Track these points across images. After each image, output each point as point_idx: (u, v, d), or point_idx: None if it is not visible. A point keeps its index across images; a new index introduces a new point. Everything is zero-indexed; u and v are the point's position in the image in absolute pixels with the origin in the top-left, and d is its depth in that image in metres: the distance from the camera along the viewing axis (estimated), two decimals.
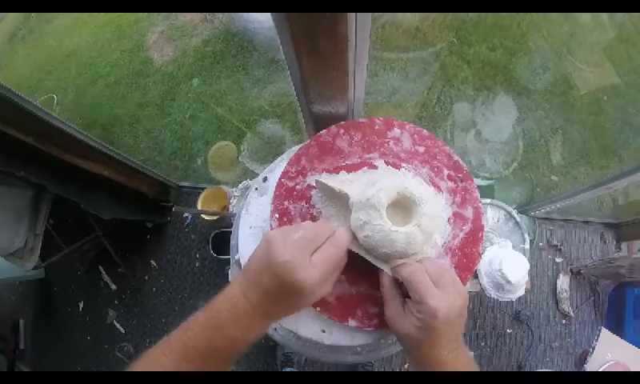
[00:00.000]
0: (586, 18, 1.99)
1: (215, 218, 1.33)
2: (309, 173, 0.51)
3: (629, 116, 1.85)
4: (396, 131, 0.53)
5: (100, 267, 1.59)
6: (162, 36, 2.02)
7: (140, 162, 1.34)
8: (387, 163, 0.51)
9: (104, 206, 1.23)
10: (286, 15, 0.39)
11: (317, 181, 0.49)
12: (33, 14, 2.28)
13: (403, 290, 0.44)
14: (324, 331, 0.51)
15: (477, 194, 0.52)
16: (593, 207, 1.65)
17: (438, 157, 0.53)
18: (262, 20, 1.78)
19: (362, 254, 0.45)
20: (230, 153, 1.62)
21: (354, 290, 0.49)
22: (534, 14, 1.94)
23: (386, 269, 0.45)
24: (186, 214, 1.48)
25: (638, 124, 1.84)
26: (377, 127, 0.53)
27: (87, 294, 1.60)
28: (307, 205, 0.50)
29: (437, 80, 1.79)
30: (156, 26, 2.06)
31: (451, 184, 0.52)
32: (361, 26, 0.43)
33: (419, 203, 0.43)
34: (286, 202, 0.51)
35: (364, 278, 0.48)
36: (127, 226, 1.45)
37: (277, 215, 0.50)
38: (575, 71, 1.85)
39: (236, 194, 1.14)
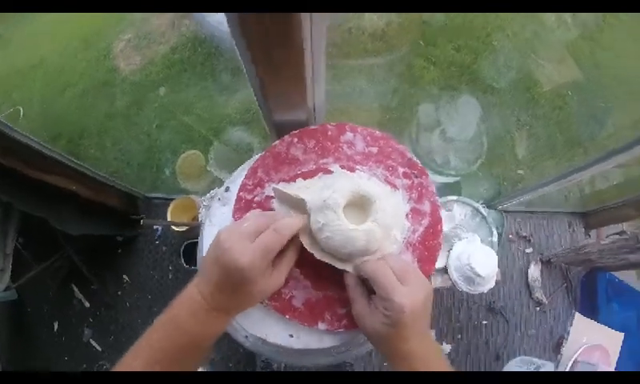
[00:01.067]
0: (549, 17, 2.07)
1: (185, 228, 1.31)
2: (266, 184, 0.52)
3: (592, 109, 1.94)
4: (349, 135, 0.54)
5: (72, 285, 1.54)
6: (129, 44, 1.98)
7: (108, 175, 1.30)
8: (342, 167, 0.52)
9: (73, 221, 1.20)
10: (240, 27, 0.39)
11: (274, 188, 0.49)
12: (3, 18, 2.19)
13: (368, 287, 0.45)
14: (292, 336, 0.51)
15: (432, 188, 0.54)
16: (560, 198, 1.71)
17: (392, 156, 0.54)
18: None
19: (324, 258, 0.46)
20: (198, 162, 1.60)
21: (320, 294, 0.49)
22: (500, 15, 2.00)
23: (349, 268, 0.46)
24: (156, 226, 1.45)
25: (601, 117, 1.93)
26: (329, 133, 0.54)
27: (61, 313, 1.55)
28: None
29: (403, 82, 1.82)
30: (122, 34, 2.02)
31: (407, 181, 0.53)
32: (316, 34, 0.43)
33: (374, 200, 0.44)
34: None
35: (329, 280, 0.48)
36: (97, 241, 1.41)
37: None
38: (539, 68, 1.92)
39: (205, 203, 1.13)
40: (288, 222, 0.44)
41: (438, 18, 1.97)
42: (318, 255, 0.46)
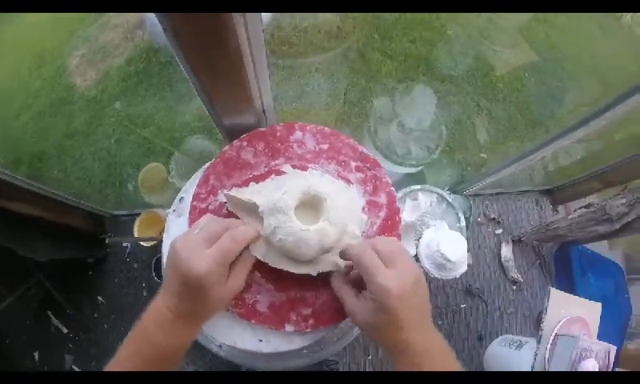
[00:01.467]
0: None
1: (153, 243, 1.29)
2: (219, 191, 0.51)
3: (550, 89, 2.00)
4: (298, 134, 0.55)
5: (48, 312, 1.49)
6: (84, 59, 1.92)
7: (71, 196, 1.27)
8: (294, 167, 0.52)
9: (39, 247, 1.16)
10: (174, 34, 0.38)
11: (225, 194, 0.49)
12: None
13: (356, 285, 0.45)
14: (261, 341, 0.51)
15: (387, 179, 0.54)
16: (525, 178, 1.75)
17: (343, 151, 0.54)
18: None
19: (279, 265, 0.46)
20: (160, 174, 1.57)
21: (284, 296, 0.49)
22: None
23: (308, 271, 0.46)
24: (125, 244, 1.42)
25: (559, 96, 1.99)
26: (279, 133, 0.54)
27: (40, 342, 1.49)
28: None
29: (360, 77, 1.83)
30: (77, 50, 1.96)
31: (360, 175, 0.54)
32: (253, 37, 0.43)
33: (325, 198, 0.44)
34: None
35: (292, 282, 0.48)
36: (67, 264, 1.37)
37: None
38: (495, 54, 1.97)
39: (171, 215, 1.11)
40: (244, 231, 0.44)
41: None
42: (272, 263, 0.46)
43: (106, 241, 1.04)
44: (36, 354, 1.48)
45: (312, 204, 0.46)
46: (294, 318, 0.49)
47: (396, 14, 1.97)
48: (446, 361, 0.41)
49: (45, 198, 1.15)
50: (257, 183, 0.51)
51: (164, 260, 0.57)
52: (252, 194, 0.49)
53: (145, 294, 1.47)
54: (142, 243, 1.31)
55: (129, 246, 1.44)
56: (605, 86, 2.06)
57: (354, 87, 1.81)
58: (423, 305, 0.42)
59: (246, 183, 0.51)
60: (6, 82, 1.98)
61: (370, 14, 1.93)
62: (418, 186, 1.07)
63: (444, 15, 2.01)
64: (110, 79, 1.86)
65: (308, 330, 0.49)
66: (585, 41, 2.21)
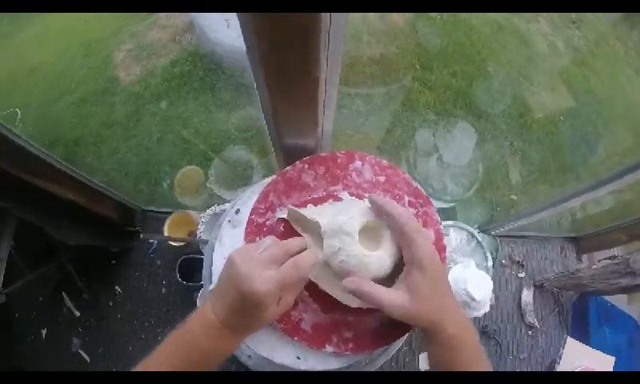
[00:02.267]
0: (542, 45, 2.14)
1: (182, 243, 1.30)
2: (277, 208, 0.53)
3: (584, 135, 1.99)
4: (357, 163, 0.56)
5: (63, 293, 1.51)
6: (130, 54, 1.99)
7: (104, 184, 1.29)
8: (351, 194, 0.53)
9: (69, 230, 1.18)
10: (260, 58, 0.40)
11: (290, 208, 0.50)
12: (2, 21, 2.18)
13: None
14: (299, 358, 0.52)
15: (437, 217, 0.55)
16: (552, 222, 1.73)
17: (399, 185, 0.55)
18: (230, 43, 1.79)
19: (328, 289, 0.47)
20: (198, 177, 1.59)
21: (328, 317, 0.50)
22: (494, 42, 2.06)
23: (350, 303, 0.47)
24: (152, 240, 1.44)
25: (593, 142, 1.98)
26: (339, 160, 0.56)
27: (50, 321, 1.51)
28: (277, 238, 0.52)
29: (399, 105, 1.86)
30: (124, 44, 2.03)
31: (412, 210, 0.55)
32: (332, 65, 0.45)
33: (387, 229, 0.45)
34: (257, 238, 0.52)
35: (337, 304, 0.49)
36: (91, 250, 1.39)
37: None
38: (532, 95, 1.97)
39: (204, 219, 1.13)
40: (307, 258, 0.45)
41: (434, 43, 2.03)
42: (322, 286, 0.47)
43: (140, 236, 1.06)
44: (44, 331, 1.50)
45: (369, 233, 0.47)
46: (335, 340, 0.50)
47: (438, 46, 2.00)
48: (474, 334, 0.45)
49: (79, 183, 1.17)
50: (314, 205, 0.52)
51: (213, 264, 0.58)
52: (311, 214, 0.50)
53: (163, 291, 1.48)
54: (169, 242, 1.32)
55: (155, 242, 1.46)
56: (637, 134, 2.04)
57: (390, 115, 1.84)
58: (445, 272, 0.46)
59: (304, 204, 0.53)
60: (52, 66, 2.05)
61: (414, 44, 1.96)
62: (451, 222, 1.07)
63: (485, 51, 2.02)
64: (153, 77, 1.92)
65: (347, 352, 0.50)
66: (621, 86, 2.21)
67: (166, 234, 1.33)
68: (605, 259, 1.33)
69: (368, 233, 0.47)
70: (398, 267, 0.46)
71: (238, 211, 0.57)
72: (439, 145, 1.43)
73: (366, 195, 0.54)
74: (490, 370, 0.44)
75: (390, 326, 0.49)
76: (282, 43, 0.37)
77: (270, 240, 0.47)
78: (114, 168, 1.76)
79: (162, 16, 2.06)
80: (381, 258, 0.45)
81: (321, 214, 0.50)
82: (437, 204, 1.36)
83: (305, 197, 0.53)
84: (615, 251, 1.50)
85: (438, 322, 0.41)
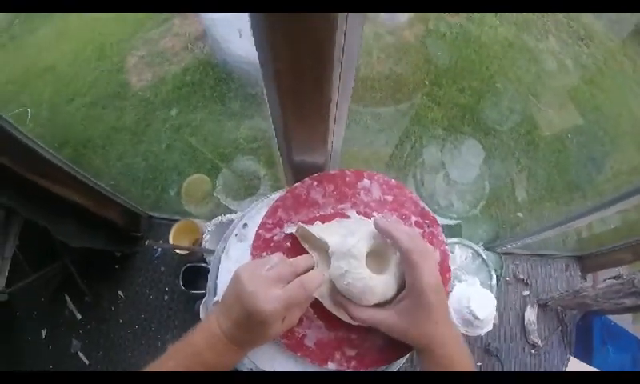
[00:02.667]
0: (551, 63, 2.14)
1: (187, 252, 1.31)
2: (285, 224, 0.53)
3: (591, 153, 1.99)
4: (366, 182, 0.56)
5: (65, 295, 1.52)
6: (142, 60, 2.01)
7: (111, 188, 1.30)
8: (359, 213, 0.53)
9: (73, 232, 1.19)
10: (274, 76, 0.41)
11: (299, 226, 0.51)
12: (17, 21, 2.21)
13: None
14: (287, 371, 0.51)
15: (443, 237, 0.55)
16: (557, 241, 1.72)
17: (406, 205, 0.56)
18: (242, 54, 1.81)
19: (333, 309, 0.47)
20: (205, 186, 1.60)
21: (332, 334, 0.50)
22: (503, 59, 2.07)
23: (350, 314, 0.47)
24: (155, 247, 1.45)
25: (599, 160, 1.97)
26: (348, 178, 0.56)
27: (51, 322, 1.51)
28: (284, 255, 0.52)
29: (409, 121, 1.86)
30: (137, 50, 2.06)
31: (419, 230, 0.55)
32: (344, 83, 0.45)
33: (395, 252, 0.45)
34: (264, 253, 0.52)
35: (342, 322, 0.49)
36: (95, 254, 1.38)
37: None
38: (540, 112, 1.97)
39: (210, 229, 1.13)
40: (314, 279, 0.45)
41: (444, 59, 2.04)
42: (327, 306, 0.48)
43: (146, 243, 1.06)
44: (44, 332, 1.50)
45: (376, 256, 0.47)
46: (338, 357, 0.50)
47: (447, 62, 2.01)
48: (466, 354, 0.46)
49: (86, 186, 1.17)
50: (322, 223, 0.52)
51: (218, 276, 0.58)
52: (320, 231, 0.50)
53: (166, 298, 1.48)
54: (173, 250, 1.33)
55: (159, 249, 1.46)
56: None
57: (400, 131, 1.84)
58: (446, 303, 0.46)
59: (311, 221, 0.53)
60: (65, 67, 2.07)
61: (424, 59, 1.97)
62: (456, 240, 1.07)
63: (494, 67, 2.03)
64: (164, 84, 1.94)
65: (349, 370, 0.50)
66: (628, 104, 2.21)
67: (171, 241, 1.34)
68: (609, 279, 1.32)
69: (375, 255, 0.47)
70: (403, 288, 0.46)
71: (245, 225, 0.58)
72: (446, 162, 1.43)
73: (374, 214, 0.54)
74: None
75: (393, 345, 0.49)
76: (297, 60, 0.37)
77: (277, 258, 0.47)
78: (122, 172, 1.77)
79: (175, 23, 2.09)
80: (387, 281, 0.45)
81: (329, 232, 0.50)
82: (442, 221, 1.36)
83: (313, 214, 0.53)
84: (620, 271, 1.49)
85: (426, 344, 0.43)
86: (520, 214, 1.75)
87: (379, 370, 0.60)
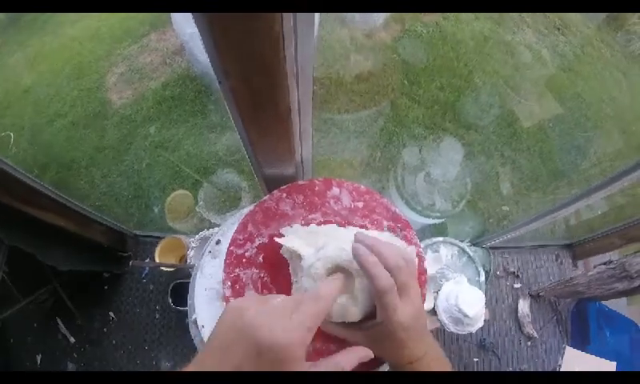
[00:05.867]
0: (528, 54, 2.17)
1: (173, 269, 1.30)
2: (256, 238, 0.52)
3: (574, 139, 2.01)
4: (335, 190, 0.56)
5: (57, 319, 1.50)
6: (122, 78, 2.00)
7: (96, 209, 1.30)
8: (329, 223, 0.53)
9: (60, 256, 1.18)
10: (230, 91, 0.40)
11: (276, 240, 0.50)
12: None
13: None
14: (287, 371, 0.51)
15: (416, 240, 0.55)
16: (546, 231, 1.73)
17: (377, 210, 0.55)
18: None
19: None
20: (187, 202, 1.59)
21: (310, 347, 0.49)
22: (480, 54, 2.08)
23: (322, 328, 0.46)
24: (141, 266, 1.44)
25: (583, 146, 1.99)
26: (317, 188, 0.55)
27: (45, 347, 1.50)
28: (257, 271, 0.51)
29: (387, 121, 1.87)
30: (115, 67, 2.05)
31: (392, 234, 0.54)
32: (303, 94, 0.45)
33: (357, 276, 0.43)
34: (237, 270, 0.51)
35: (318, 333, 0.47)
36: (84, 276, 1.39)
37: (229, 283, 0.51)
38: (520, 104, 1.99)
39: (194, 244, 1.12)
40: (328, 288, 0.39)
41: (421, 57, 2.05)
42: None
43: (130, 263, 1.05)
44: (38, 357, 1.49)
45: (344, 271, 0.44)
46: None
47: (425, 61, 2.02)
48: (442, 367, 0.44)
49: (70, 210, 1.17)
50: (317, 226, 0.52)
51: (195, 294, 0.58)
52: (310, 234, 0.50)
53: (157, 316, 1.47)
54: (160, 268, 1.32)
55: (147, 267, 1.45)
56: (628, 135, 2.06)
57: (380, 131, 1.85)
58: (424, 323, 0.43)
59: (308, 223, 0.53)
60: (44, 88, 2.06)
61: (401, 59, 1.98)
62: (441, 238, 1.07)
63: (472, 63, 2.05)
64: (145, 100, 1.93)
65: None
66: (608, 89, 2.23)
67: (157, 259, 1.33)
68: (600, 265, 1.33)
69: (343, 272, 0.44)
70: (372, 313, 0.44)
71: (218, 242, 0.57)
72: (426, 161, 1.43)
73: (343, 223, 0.53)
74: None
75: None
76: (247, 75, 0.37)
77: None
78: (106, 193, 1.76)
79: (152, 39, 2.08)
80: (345, 307, 0.43)
81: (311, 240, 0.49)
82: (426, 221, 1.36)
83: (283, 226, 0.53)
84: (610, 256, 1.51)
85: (397, 365, 0.43)
86: (506, 207, 1.75)
87: None
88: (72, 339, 1.49)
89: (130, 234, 1.51)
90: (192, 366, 0.34)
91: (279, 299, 0.37)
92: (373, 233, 0.52)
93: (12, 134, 1.91)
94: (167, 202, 1.60)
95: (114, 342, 1.48)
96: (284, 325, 0.33)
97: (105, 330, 1.49)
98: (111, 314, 1.50)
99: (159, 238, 1.40)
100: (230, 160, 1.76)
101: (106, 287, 1.51)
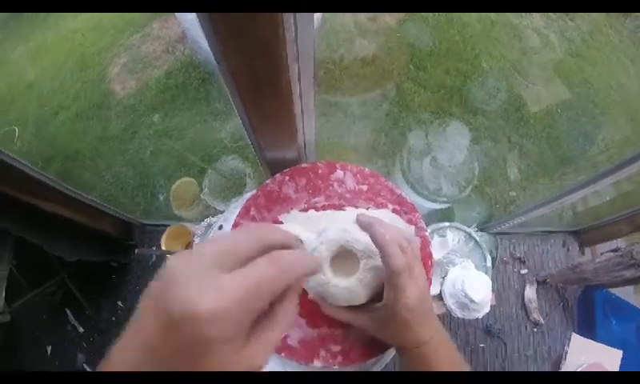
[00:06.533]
0: (536, 38, 2.13)
1: None
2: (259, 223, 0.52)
3: (582, 126, 1.98)
4: (339, 173, 0.55)
5: (66, 309, 1.52)
6: (124, 68, 2.00)
7: (102, 200, 1.30)
8: (332, 205, 0.52)
9: (67, 247, 1.19)
10: (230, 73, 0.40)
11: (284, 225, 0.49)
12: None
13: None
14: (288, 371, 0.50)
15: (422, 224, 0.54)
16: (553, 217, 1.71)
17: (382, 193, 0.54)
18: None
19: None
20: (192, 189, 1.59)
21: (315, 332, 0.49)
22: (487, 38, 2.05)
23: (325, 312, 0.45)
24: (147, 253, 1.45)
25: (591, 132, 1.96)
26: (320, 171, 0.55)
27: (55, 338, 1.51)
28: None
29: (393, 106, 1.85)
30: (118, 58, 2.04)
31: (396, 216, 0.53)
32: (304, 78, 0.44)
33: (362, 258, 0.42)
34: None
35: (323, 318, 0.48)
36: (92, 266, 1.39)
37: None
38: (528, 88, 1.96)
39: (199, 232, 1.12)
40: (299, 258, 0.27)
41: (427, 41, 2.01)
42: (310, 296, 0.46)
43: (135, 251, 1.05)
44: (49, 348, 1.51)
45: (343, 259, 0.44)
46: (323, 354, 0.49)
47: (431, 45, 1.99)
48: (448, 351, 0.43)
49: (75, 201, 1.17)
50: (317, 211, 0.52)
51: None
52: (309, 219, 0.49)
53: None
54: (168, 256, 1.32)
55: (154, 256, 1.46)
56: (636, 121, 2.02)
57: (386, 116, 1.83)
58: (429, 306, 0.43)
59: (306, 210, 0.52)
60: (48, 82, 2.06)
61: (407, 43, 1.95)
62: (447, 223, 1.06)
63: (479, 46, 2.01)
64: (148, 90, 1.92)
65: (335, 366, 0.49)
66: (617, 75, 2.19)
67: (163, 247, 1.33)
68: (608, 252, 1.31)
69: (342, 258, 0.44)
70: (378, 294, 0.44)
71: (221, 227, 0.57)
72: (432, 145, 1.41)
73: (356, 206, 0.53)
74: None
75: (376, 339, 0.48)
76: (248, 59, 0.37)
77: (242, 229, 0.33)
78: (111, 182, 1.76)
79: (154, 27, 2.07)
80: (351, 288, 0.42)
81: (311, 226, 0.49)
82: (433, 205, 1.35)
83: (286, 210, 0.52)
84: (618, 243, 1.49)
85: (401, 347, 0.43)
86: (513, 193, 1.74)
87: (370, 363, 0.60)
88: (81, 329, 1.51)
89: (137, 223, 1.51)
90: (113, 353, 0.26)
91: (216, 245, 0.25)
92: (373, 212, 0.51)
93: (17, 129, 1.92)
94: (172, 190, 1.60)
95: (121, 330, 1.50)
96: (207, 282, 0.22)
97: (113, 318, 1.50)
98: (119, 302, 1.51)
99: (165, 225, 1.40)
100: (234, 146, 1.76)
101: (113, 276, 1.52)
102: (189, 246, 1.33)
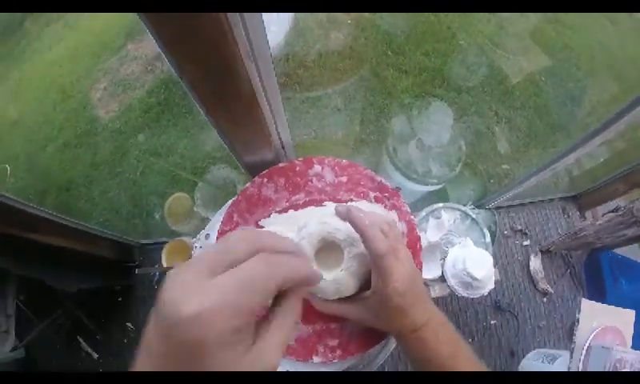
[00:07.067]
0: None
1: None
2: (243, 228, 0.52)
3: (567, 90, 1.97)
4: (317, 168, 0.55)
5: (78, 337, 1.53)
6: (105, 92, 1.99)
7: (99, 226, 1.31)
8: (314, 202, 0.52)
9: (69, 278, 1.20)
10: (189, 82, 0.40)
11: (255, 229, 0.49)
12: None
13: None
14: (288, 372, 0.50)
15: (406, 208, 0.54)
16: (550, 185, 1.71)
17: (362, 182, 0.54)
18: None
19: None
20: (186, 203, 1.59)
21: (310, 329, 0.49)
22: (461, 15, 2.04)
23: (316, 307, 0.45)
24: (152, 272, 1.45)
25: (577, 96, 1.96)
26: (298, 168, 0.55)
27: (71, 367, 1.52)
28: None
29: (376, 95, 1.84)
30: (97, 83, 2.04)
31: (379, 205, 0.53)
32: (265, 78, 0.44)
33: (345, 247, 0.42)
34: None
35: (317, 314, 0.48)
36: (96, 292, 1.40)
37: None
38: (508, 60, 1.95)
39: (197, 244, 1.12)
40: (297, 264, 0.27)
41: (402, 26, 2.00)
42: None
43: (136, 271, 1.06)
44: None
45: (327, 252, 0.44)
46: (322, 350, 0.49)
47: (407, 29, 1.98)
48: (447, 332, 0.42)
49: (73, 230, 1.17)
50: (295, 211, 0.52)
51: None
52: (289, 219, 0.49)
53: None
54: (168, 272, 1.32)
55: (157, 273, 1.47)
56: (621, 80, 2.02)
57: (370, 106, 1.82)
58: (421, 288, 0.42)
59: (286, 210, 0.52)
60: (32, 116, 2.05)
61: (382, 31, 1.94)
62: (441, 204, 1.05)
63: (455, 25, 2.00)
64: (132, 111, 1.92)
65: (335, 360, 0.49)
66: (597, 36, 2.19)
67: (164, 264, 1.33)
68: (608, 213, 1.31)
69: (326, 252, 0.44)
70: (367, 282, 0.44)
71: (207, 236, 0.57)
72: (416, 128, 1.41)
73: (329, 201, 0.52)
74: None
75: (373, 329, 0.48)
76: (201, 59, 0.36)
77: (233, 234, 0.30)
78: (107, 208, 1.76)
79: (130, 49, 2.06)
80: (338, 280, 0.42)
81: (292, 225, 0.48)
82: (425, 188, 1.34)
83: (269, 211, 0.52)
84: (617, 203, 1.49)
85: (397, 333, 0.42)
86: (506, 166, 1.74)
87: (374, 353, 0.60)
88: (95, 355, 1.51)
89: (136, 244, 1.52)
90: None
91: (209, 252, 0.26)
92: (351, 205, 0.51)
93: (8, 167, 1.91)
94: (166, 207, 1.60)
95: (135, 351, 1.50)
96: (195, 286, 0.23)
97: (125, 340, 1.51)
98: (129, 324, 1.51)
99: (164, 243, 1.41)
100: (221, 155, 1.76)
101: (119, 299, 1.53)
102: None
